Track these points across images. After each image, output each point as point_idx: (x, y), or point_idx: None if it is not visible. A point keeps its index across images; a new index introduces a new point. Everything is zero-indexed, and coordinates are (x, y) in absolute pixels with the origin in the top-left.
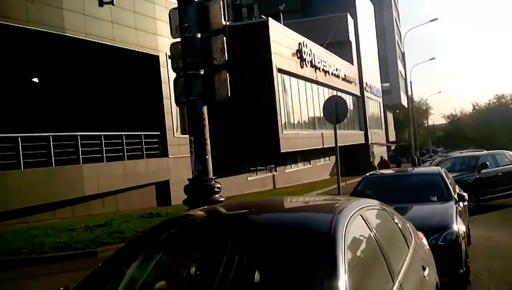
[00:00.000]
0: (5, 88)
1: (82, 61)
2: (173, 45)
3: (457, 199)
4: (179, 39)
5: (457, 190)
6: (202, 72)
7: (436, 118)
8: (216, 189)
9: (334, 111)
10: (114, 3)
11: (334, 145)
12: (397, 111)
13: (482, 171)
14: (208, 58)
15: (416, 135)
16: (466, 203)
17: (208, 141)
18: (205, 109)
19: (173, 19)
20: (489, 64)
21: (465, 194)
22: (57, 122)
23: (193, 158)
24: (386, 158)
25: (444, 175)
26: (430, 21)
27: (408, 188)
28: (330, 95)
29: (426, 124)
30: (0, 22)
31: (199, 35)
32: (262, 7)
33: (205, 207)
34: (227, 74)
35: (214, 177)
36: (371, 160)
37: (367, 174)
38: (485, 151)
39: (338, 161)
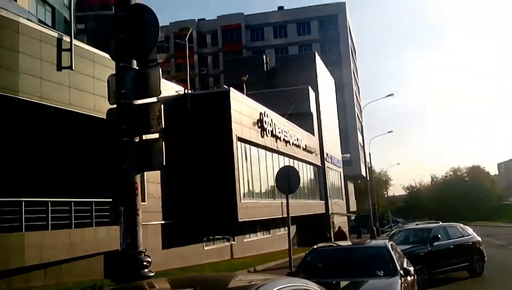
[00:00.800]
0: None
1: (38, 125)
2: (109, 111)
3: (403, 274)
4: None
5: (405, 264)
6: (137, 139)
7: (396, 189)
8: (145, 263)
9: (286, 182)
10: (73, 68)
11: (295, 215)
12: (359, 181)
13: (434, 244)
14: (144, 125)
15: (376, 205)
16: (412, 277)
17: (140, 212)
18: (137, 178)
19: (111, 85)
20: (446, 137)
21: (411, 268)
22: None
23: (122, 230)
24: (342, 229)
25: (391, 249)
26: (387, 96)
27: (354, 262)
28: (292, 164)
29: (386, 195)
30: None
31: (136, 102)
32: (229, 77)
33: (123, 285)
34: (163, 143)
35: (143, 250)
36: (328, 231)
37: (315, 247)
38: (440, 223)
39: (289, 232)
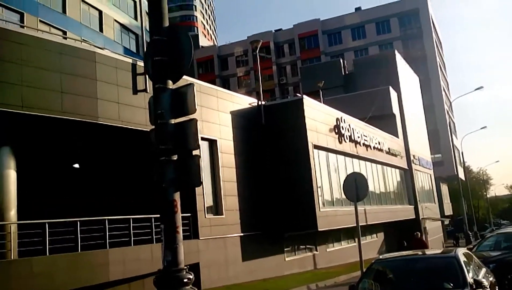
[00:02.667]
0: (37, 174)
1: (114, 146)
2: (151, 132)
3: (474, 286)
4: None
5: (481, 275)
6: (175, 158)
7: (498, 189)
8: (186, 281)
9: (354, 189)
10: (148, 91)
11: (379, 222)
12: (455, 182)
13: None
14: (181, 144)
15: (472, 208)
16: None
17: (180, 229)
18: (177, 195)
19: (152, 107)
20: None
21: (484, 280)
22: (87, 207)
23: (163, 247)
24: (421, 236)
25: (461, 259)
26: (476, 89)
27: (420, 273)
28: (374, 169)
29: (487, 195)
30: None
31: (172, 121)
32: (306, 84)
33: None
34: (200, 160)
35: (185, 268)
36: (410, 239)
37: (379, 257)
38: None
39: (360, 241)
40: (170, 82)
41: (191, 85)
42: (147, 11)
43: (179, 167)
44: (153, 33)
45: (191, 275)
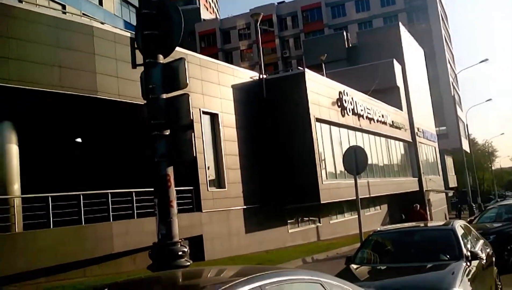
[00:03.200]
0: (39, 148)
1: (115, 120)
2: (143, 107)
3: (470, 258)
4: None
5: (477, 247)
6: (167, 132)
7: (503, 161)
8: (180, 253)
9: (354, 162)
10: None
11: (382, 194)
12: (460, 155)
13: None
14: (173, 118)
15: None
16: (484, 261)
17: (174, 203)
18: (170, 170)
19: (143, 82)
20: None
21: (481, 251)
22: (90, 180)
23: (157, 221)
24: (419, 208)
25: (458, 231)
26: (481, 62)
27: (416, 245)
28: (377, 142)
29: (492, 168)
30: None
31: (164, 96)
32: (309, 58)
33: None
34: (192, 134)
35: (180, 241)
36: (407, 212)
37: (377, 229)
38: None
39: (359, 212)
40: (161, 56)
41: (182, 59)
42: None
43: (171, 141)
44: (143, 7)
45: (186, 247)
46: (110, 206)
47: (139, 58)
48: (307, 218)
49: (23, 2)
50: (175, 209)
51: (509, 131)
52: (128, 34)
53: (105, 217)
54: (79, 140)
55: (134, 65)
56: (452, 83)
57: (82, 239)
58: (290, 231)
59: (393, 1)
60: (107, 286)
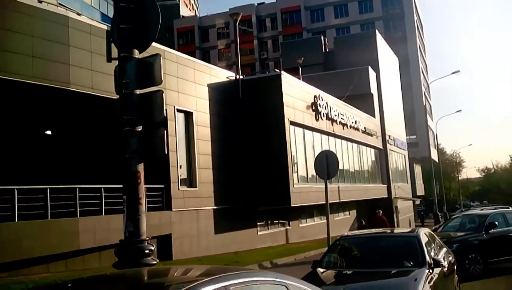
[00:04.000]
0: (7, 139)
1: (86, 114)
2: (116, 101)
3: (433, 265)
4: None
5: (440, 255)
6: (139, 129)
7: (470, 172)
8: (147, 252)
9: (325, 166)
10: None
11: (352, 199)
12: (429, 164)
13: (490, 231)
14: (146, 115)
15: (443, 189)
16: (446, 269)
17: (143, 201)
18: (140, 167)
19: (117, 76)
20: None
21: (443, 259)
22: (58, 175)
23: (125, 218)
24: (382, 215)
25: (422, 238)
26: (452, 73)
27: (381, 251)
28: (349, 147)
29: (458, 178)
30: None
31: (137, 92)
32: (287, 61)
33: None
34: (165, 131)
35: (147, 239)
36: (370, 218)
37: (343, 235)
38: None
39: (328, 219)
40: (136, 51)
41: (158, 55)
42: None
43: (143, 138)
44: (120, 0)
45: (153, 246)
46: (78, 202)
47: (115, 52)
48: (277, 221)
49: None
50: (143, 206)
51: (476, 142)
52: (105, 27)
53: (72, 212)
54: (49, 132)
55: (109, 59)
56: (425, 93)
57: (47, 234)
58: (259, 233)
59: (371, 8)
60: (71, 282)
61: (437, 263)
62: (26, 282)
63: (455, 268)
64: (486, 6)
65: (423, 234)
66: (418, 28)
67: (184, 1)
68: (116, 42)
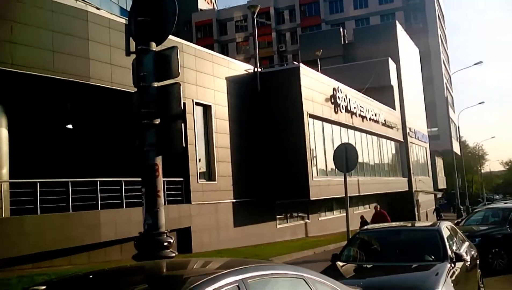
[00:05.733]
0: (30, 133)
1: (108, 107)
2: (133, 95)
3: (454, 259)
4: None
5: (462, 249)
6: (157, 121)
7: (493, 165)
8: (166, 244)
9: (344, 160)
10: None
11: (372, 193)
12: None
13: None
14: (164, 107)
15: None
16: (468, 263)
17: (161, 193)
18: (158, 160)
19: (135, 69)
20: None
21: (465, 253)
22: (79, 168)
23: (144, 211)
24: (382, 209)
25: (443, 232)
26: (475, 64)
27: (402, 245)
28: (369, 140)
29: (481, 171)
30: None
31: (155, 84)
32: (305, 53)
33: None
34: (182, 124)
35: (165, 231)
36: (364, 216)
37: (362, 229)
38: None
39: (347, 210)
40: (153, 44)
41: (175, 48)
42: None
43: (160, 131)
44: None
45: (172, 239)
46: (99, 195)
47: (134, 46)
48: (296, 214)
49: None
50: (162, 199)
51: (500, 134)
52: (123, 21)
53: (93, 205)
54: (70, 126)
55: (128, 53)
56: (446, 84)
57: (69, 226)
58: (278, 226)
59: None
60: (92, 273)
61: (459, 257)
62: (49, 274)
63: (478, 262)
64: None
65: (445, 227)
66: (439, 18)
67: None
68: (133, 35)
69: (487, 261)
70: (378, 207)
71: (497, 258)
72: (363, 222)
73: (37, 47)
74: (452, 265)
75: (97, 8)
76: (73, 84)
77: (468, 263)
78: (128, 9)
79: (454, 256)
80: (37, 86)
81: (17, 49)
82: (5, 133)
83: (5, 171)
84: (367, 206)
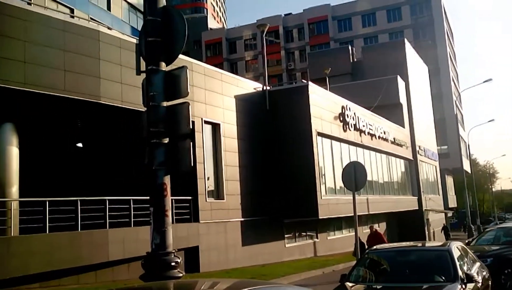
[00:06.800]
0: (40, 151)
1: (117, 126)
2: (142, 114)
3: (465, 280)
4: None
5: (473, 270)
6: (166, 141)
7: (504, 183)
8: (173, 264)
9: (353, 178)
10: None
11: (381, 212)
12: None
13: None
14: (173, 127)
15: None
16: (480, 284)
17: (169, 213)
18: (167, 179)
19: (145, 89)
20: None
21: (476, 274)
22: (88, 186)
23: (152, 230)
24: (378, 230)
25: (454, 252)
26: (484, 81)
27: (412, 266)
28: (378, 158)
29: (492, 189)
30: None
31: (164, 104)
32: (314, 71)
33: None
34: (191, 143)
35: (173, 251)
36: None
37: (371, 249)
38: None
39: (356, 229)
40: (163, 63)
41: (184, 67)
42: None
43: (169, 150)
44: (148, 14)
45: (179, 258)
46: (107, 213)
47: (144, 65)
48: (304, 233)
49: (32, 5)
50: (170, 218)
51: (510, 152)
52: (134, 40)
53: (102, 224)
54: (80, 145)
55: (138, 72)
56: (456, 102)
57: (77, 245)
58: (287, 245)
59: (400, 16)
60: None
61: (470, 278)
62: None
63: (490, 283)
64: None
65: (455, 248)
66: (448, 35)
67: (212, 14)
68: (144, 55)
69: (499, 282)
70: (374, 227)
71: (510, 279)
72: (361, 244)
73: (49, 67)
74: (463, 286)
75: (109, 28)
76: (83, 102)
77: (480, 284)
78: (139, 29)
79: (465, 277)
80: (48, 104)
81: (30, 68)
82: (16, 151)
83: (15, 189)
84: (376, 225)
